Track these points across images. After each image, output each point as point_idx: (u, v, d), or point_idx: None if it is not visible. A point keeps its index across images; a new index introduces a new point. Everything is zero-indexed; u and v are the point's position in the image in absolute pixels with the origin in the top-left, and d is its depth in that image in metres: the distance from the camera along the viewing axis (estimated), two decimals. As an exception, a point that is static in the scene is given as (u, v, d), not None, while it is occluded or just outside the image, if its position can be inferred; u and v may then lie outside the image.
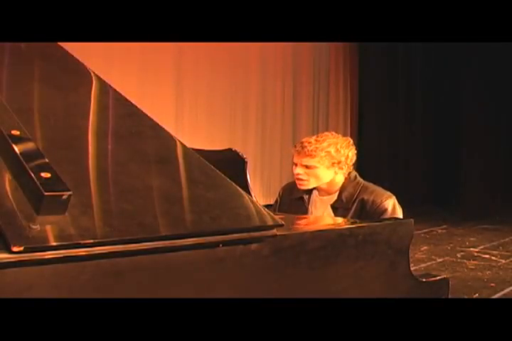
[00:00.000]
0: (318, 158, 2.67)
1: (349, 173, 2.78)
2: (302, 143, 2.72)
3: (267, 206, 1.73)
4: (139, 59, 7.10)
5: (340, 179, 2.76)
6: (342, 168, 2.72)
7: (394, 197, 2.74)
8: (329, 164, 2.69)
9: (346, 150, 2.72)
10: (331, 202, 2.76)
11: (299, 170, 2.72)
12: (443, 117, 9.83)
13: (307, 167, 2.70)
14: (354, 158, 2.78)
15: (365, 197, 2.69)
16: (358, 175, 2.82)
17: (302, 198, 2.83)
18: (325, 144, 2.68)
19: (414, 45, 9.52)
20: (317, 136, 2.75)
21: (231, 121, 8.34)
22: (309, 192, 2.84)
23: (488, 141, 9.52)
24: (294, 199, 2.88)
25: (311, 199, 2.84)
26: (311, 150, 2.67)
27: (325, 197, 2.80)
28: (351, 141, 2.79)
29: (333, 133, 2.82)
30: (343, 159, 2.70)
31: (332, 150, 2.68)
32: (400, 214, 2.71)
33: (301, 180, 2.73)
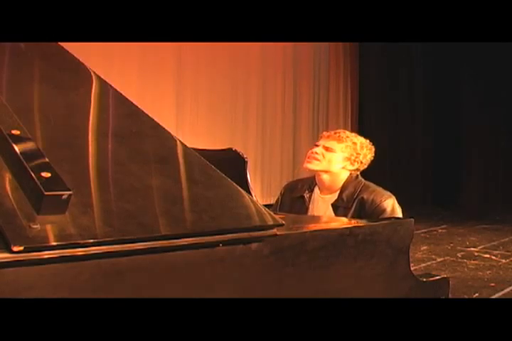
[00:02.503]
0: (343, 145, 2.77)
1: (351, 173, 2.81)
2: (336, 130, 2.88)
3: (267, 206, 1.72)
4: (139, 58, 7.09)
5: (344, 177, 2.80)
6: (353, 164, 2.79)
7: (394, 197, 2.77)
8: (348, 155, 2.77)
9: (367, 151, 2.82)
10: (332, 201, 2.77)
11: (317, 150, 2.79)
12: (443, 117, 9.82)
13: (327, 149, 2.77)
14: (368, 164, 2.85)
15: (365, 197, 2.72)
16: (359, 175, 2.86)
17: (303, 197, 2.85)
18: (355, 138, 2.82)
19: (414, 44, 9.51)
20: (351, 132, 2.91)
21: (231, 120, 8.33)
22: (311, 190, 2.86)
23: (489, 141, 9.53)
24: (295, 197, 2.90)
25: (312, 198, 2.85)
26: (342, 137, 2.79)
27: (326, 196, 2.82)
28: (374, 149, 2.88)
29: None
30: (361, 156, 2.79)
31: (358, 143, 2.79)
32: (399, 214, 2.72)
33: (313, 158, 2.78)
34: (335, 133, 2.82)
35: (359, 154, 2.78)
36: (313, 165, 2.79)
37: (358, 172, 2.85)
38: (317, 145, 2.80)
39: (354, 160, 2.78)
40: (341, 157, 2.77)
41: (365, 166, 2.85)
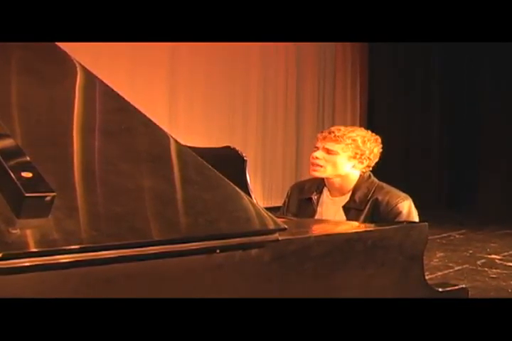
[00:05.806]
0: (343, 145, 2.75)
1: (364, 172, 2.82)
2: (330, 129, 2.84)
3: (269, 209, 1.72)
4: (130, 51, 7.09)
5: (354, 177, 2.81)
6: (362, 162, 2.78)
7: (410, 199, 2.78)
8: (352, 154, 2.75)
9: (373, 145, 2.80)
10: (343, 203, 2.79)
11: (317, 154, 2.77)
12: (461, 116, 9.83)
13: (328, 152, 2.76)
14: (378, 157, 2.84)
15: (379, 198, 2.73)
16: (372, 175, 2.87)
17: (311, 199, 2.87)
18: (353, 134, 2.78)
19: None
20: (347, 126, 2.87)
21: (230, 117, 8.32)
22: (319, 192, 2.88)
23: (509, 139, 9.52)
24: (302, 199, 2.92)
25: (320, 200, 2.87)
26: (338, 136, 2.75)
27: (337, 198, 2.84)
28: (380, 140, 2.87)
29: (363, 128, 2.93)
30: (367, 152, 2.77)
31: (359, 139, 2.77)
32: (415, 217, 2.74)
33: (317, 165, 2.77)
34: (329, 132, 2.79)
35: (364, 151, 2.76)
36: (320, 173, 2.79)
37: (370, 171, 2.86)
38: (317, 148, 2.79)
39: (361, 158, 2.77)
40: (346, 157, 2.75)
41: (376, 159, 2.84)
